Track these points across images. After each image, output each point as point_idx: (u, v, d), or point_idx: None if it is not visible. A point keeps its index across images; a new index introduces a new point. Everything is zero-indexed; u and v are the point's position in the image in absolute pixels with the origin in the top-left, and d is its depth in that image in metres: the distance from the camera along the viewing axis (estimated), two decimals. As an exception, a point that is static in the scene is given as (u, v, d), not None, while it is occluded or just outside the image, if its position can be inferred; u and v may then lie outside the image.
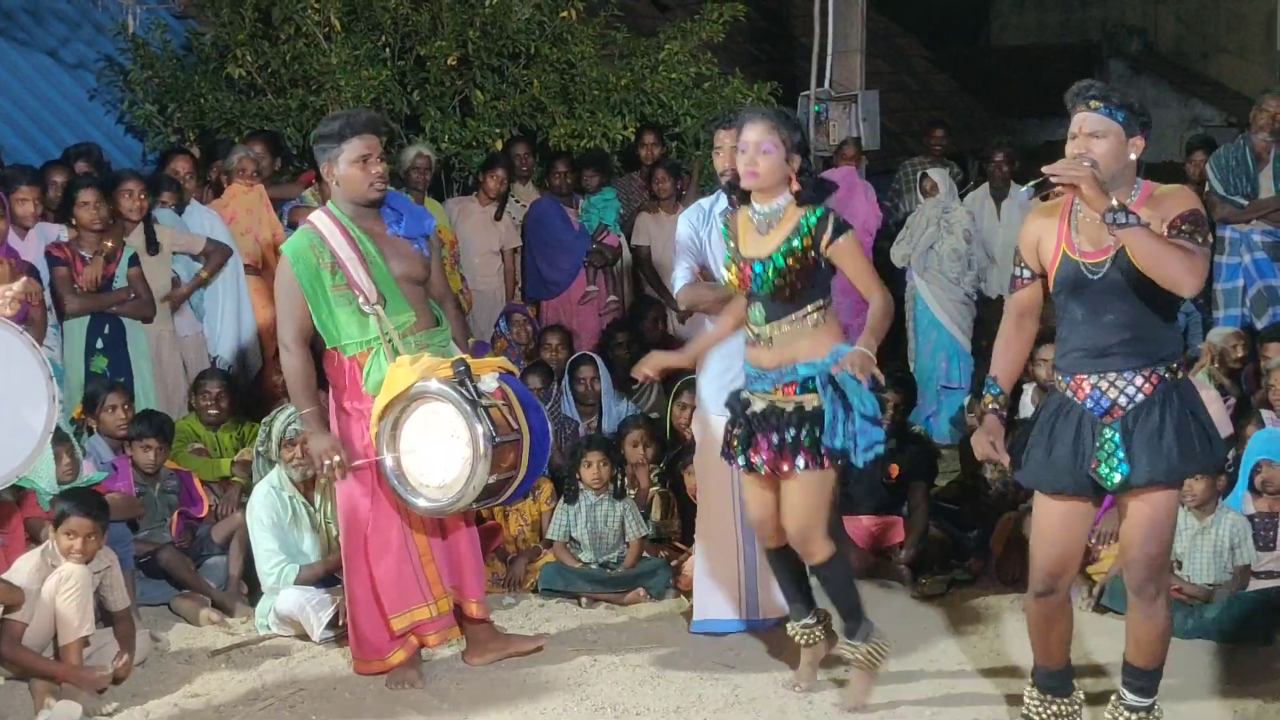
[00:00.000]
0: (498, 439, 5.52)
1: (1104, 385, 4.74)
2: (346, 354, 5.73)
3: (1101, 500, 4.95)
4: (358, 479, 5.78)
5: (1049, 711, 5.12)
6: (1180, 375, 4.80)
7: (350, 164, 5.68)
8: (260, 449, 7.10)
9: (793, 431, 5.30)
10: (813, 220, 5.36)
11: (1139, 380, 4.71)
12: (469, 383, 5.52)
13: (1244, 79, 19.62)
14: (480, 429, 5.47)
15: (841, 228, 5.36)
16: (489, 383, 5.59)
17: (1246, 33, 20.90)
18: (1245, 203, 9.16)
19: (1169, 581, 5.06)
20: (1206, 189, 9.31)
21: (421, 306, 5.82)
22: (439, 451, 5.59)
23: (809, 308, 5.37)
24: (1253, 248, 9.15)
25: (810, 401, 5.30)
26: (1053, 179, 4.59)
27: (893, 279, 10.76)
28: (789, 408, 5.33)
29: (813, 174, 5.51)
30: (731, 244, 5.55)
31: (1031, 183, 4.66)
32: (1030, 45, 22.53)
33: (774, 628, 6.27)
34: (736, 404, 5.54)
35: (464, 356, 5.65)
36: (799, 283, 5.35)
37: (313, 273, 5.69)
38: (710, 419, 6.28)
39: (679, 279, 6.27)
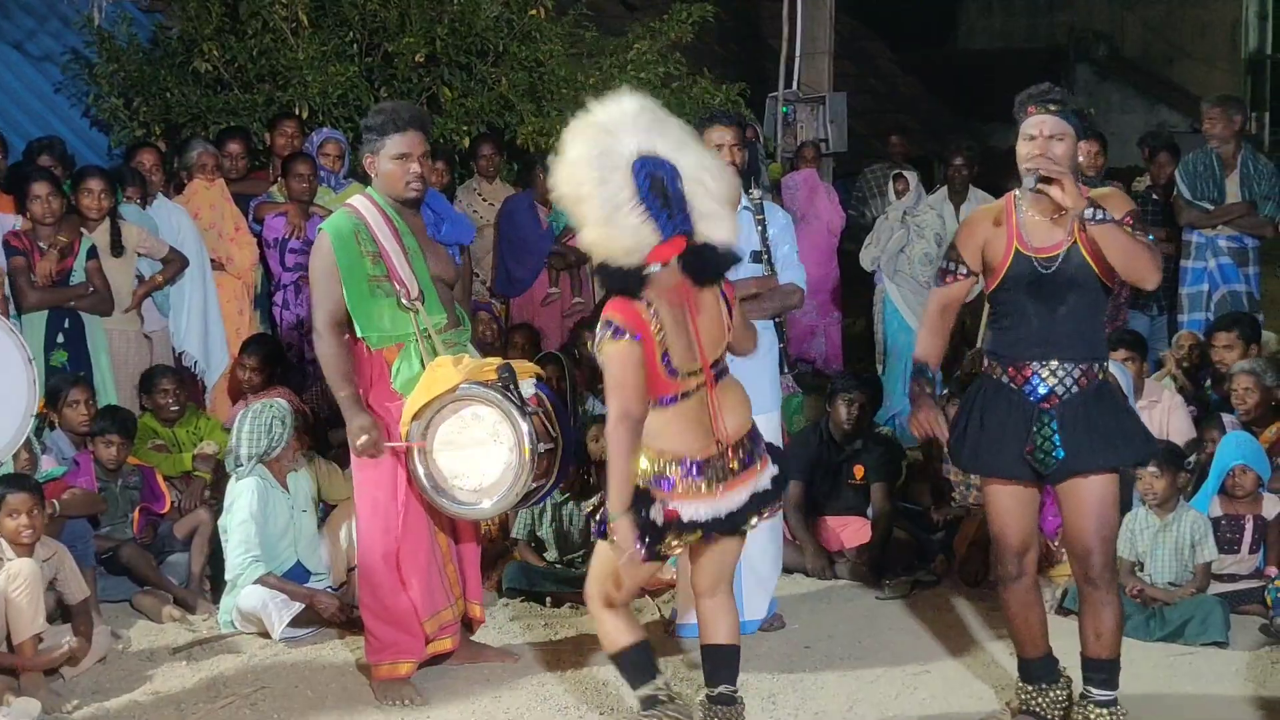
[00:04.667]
0: (541, 447, 5.39)
1: (1045, 373, 4.92)
2: (373, 346, 5.55)
3: (1040, 485, 5.06)
4: (380, 483, 5.59)
5: (1047, 699, 5.22)
6: (1104, 378, 4.99)
7: (390, 160, 5.53)
8: (242, 454, 6.69)
9: None
10: None
11: (1076, 373, 4.91)
12: (514, 388, 5.39)
13: (1209, 84, 19.73)
14: (528, 435, 5.33)
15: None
16: (527, 388, 5.45)
17: (1211, 39, 21.06)
18: (1211, 208, 9.21)
19: (1118, 567, 5.28)
20: (1174, 193, 9.36)
21: (450, 307, 5.71)
22: (477, 454, 5.41)
23: None
24: (1218, 252, 9.20)
25: None
26: (1043, 172, 4.79)
27: (862, 282, 10.83)
28: None
29: None
30: None
31: (1035, 179, 4.79)
32: (997, 50, 22.66)
33: (755, 632, 6.25)
34: None
35: (507, 361, 5.51)
36: None
37: (353, 258, 5.50)
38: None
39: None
